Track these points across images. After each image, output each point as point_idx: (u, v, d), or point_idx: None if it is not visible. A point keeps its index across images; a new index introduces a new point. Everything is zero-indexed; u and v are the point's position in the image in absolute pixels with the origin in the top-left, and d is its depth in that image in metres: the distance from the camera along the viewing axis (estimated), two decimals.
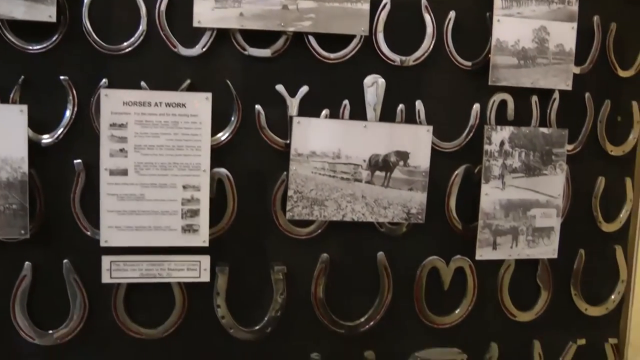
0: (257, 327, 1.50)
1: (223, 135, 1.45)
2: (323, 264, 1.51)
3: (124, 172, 1.38)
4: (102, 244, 1.38)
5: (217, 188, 1.44)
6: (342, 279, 1.54)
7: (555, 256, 1.62)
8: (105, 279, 1.40)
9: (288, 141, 1.46)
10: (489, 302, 1.64)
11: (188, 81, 1.42)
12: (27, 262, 1.39)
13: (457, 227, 1.58)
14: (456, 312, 1.61)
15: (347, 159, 1.47)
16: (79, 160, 1.39)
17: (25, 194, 1.35)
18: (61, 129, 1.39)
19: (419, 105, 1.53)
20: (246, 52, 1.43)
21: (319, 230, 1.51)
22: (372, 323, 1.56)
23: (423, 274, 1.58)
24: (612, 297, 1.72)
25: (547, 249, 1.61)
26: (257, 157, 1.47)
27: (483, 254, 1.57)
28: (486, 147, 1.55)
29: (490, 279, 1.63)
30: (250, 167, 1.47)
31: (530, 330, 1.67)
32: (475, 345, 1.64)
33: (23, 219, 1.35)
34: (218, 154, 1.43)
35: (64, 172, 1.40)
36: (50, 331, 1.42)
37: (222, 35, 1.42)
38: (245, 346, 1.50)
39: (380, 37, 1.49)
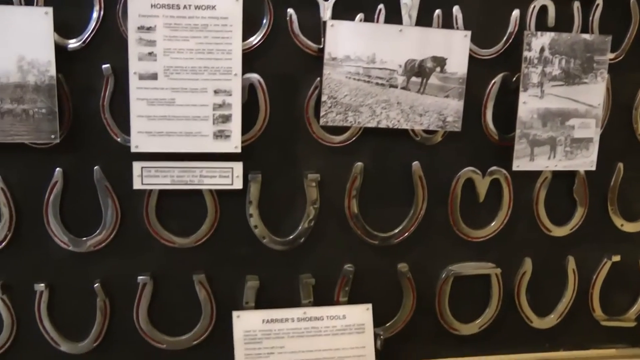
0: (289, 237, 1.49)
1: (254, 40, 1.40)
2: (357, 173, 1.48)
3: (154, 77, 1.34)
4: (133, 149, 1.35)
5: (249, 94, 1.41)
6: (375, 188, 1.51)
7: (594, 168, 1.57)
8: (137, 185, 1.38)
9: (321, 45, 1.41)
10: (524, 216, 1.60)
11: None
12: (57, 169, 1.37)
13: (493, 137, 1.54)
14: (491, 225, 1.59)
15: (382, 64, 1.42)
16: (107, 65, 1.36)
17: (54, 97, 1.31)
18: (88, 33, 1.35)
19: (456, 11, 1.47)
20: None
21: (353, 138, 1.47)
22: (406, 235, 1.53)
23: (458, 185, 1.54)
24: None
25: (585, 161, 1.57)
26: (289, 61, 1.42)
27: (520, 164, 1.53)
28: (525, 53, 1.49)
29: (526, 192, 1.59)
30: (282, 72, 1.42)
31: (564, 246, 1.64)
32: (509, 260, 1.62)
33: (52, 123, 1.33)
34: (249, 59, 1.38)
35: (92, 77, 1.37)
36: (84, 238, 1.41)
37: None
38: (277, 256, 1.49)
39: None
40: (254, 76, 1.41)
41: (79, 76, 1.37)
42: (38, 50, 1.31)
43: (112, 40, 1.36)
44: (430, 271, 1.58)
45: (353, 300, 1.53)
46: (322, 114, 1.42)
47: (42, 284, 1.41)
